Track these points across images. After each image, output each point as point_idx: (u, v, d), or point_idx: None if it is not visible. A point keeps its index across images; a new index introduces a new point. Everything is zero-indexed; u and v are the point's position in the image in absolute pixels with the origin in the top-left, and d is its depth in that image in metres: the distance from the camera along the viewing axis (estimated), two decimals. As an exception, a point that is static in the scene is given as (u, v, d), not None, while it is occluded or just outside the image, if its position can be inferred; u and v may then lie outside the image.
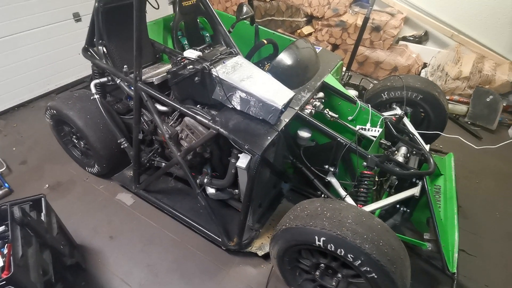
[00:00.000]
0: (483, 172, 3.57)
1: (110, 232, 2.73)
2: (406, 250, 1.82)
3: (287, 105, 2.19)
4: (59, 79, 4.46)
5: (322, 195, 2.63)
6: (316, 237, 1.77)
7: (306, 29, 5.49)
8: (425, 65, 4.98)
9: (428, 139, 3.04)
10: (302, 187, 2.94)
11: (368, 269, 1.67)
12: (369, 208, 2.25)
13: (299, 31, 5.48)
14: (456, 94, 4.51)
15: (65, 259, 2.16)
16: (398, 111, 3.09)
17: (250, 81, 2.17)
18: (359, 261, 1.67)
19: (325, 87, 2.87)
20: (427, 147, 2.73)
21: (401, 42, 5.17)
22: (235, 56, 2.41)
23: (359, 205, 2.28)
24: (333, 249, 1.73)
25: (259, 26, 3.58)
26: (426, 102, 3.08)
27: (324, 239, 1.74)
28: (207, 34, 3.60)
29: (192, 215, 2.74)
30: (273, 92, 2.15)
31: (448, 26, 4.74)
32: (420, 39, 5.04)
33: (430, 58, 4.84)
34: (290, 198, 2.98)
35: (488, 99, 4.22)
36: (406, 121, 2.89)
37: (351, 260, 1.69)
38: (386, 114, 2.89)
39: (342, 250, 1.70)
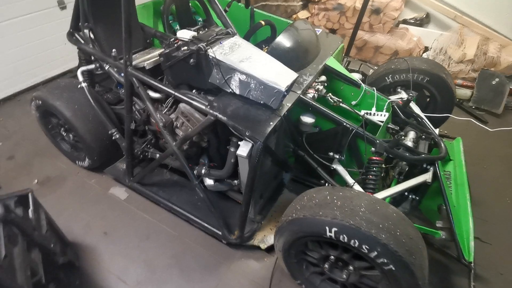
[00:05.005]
0: (491, 157, 3.45)
1: (104, 228, 2.58)
2: (423, 240, 1.69)
3: (290, 88, 2.04)
4: (45, 70, 4.25)
5: (326, 184, 2.50)
6: (327, 228, 1.63)
7: (302, 14, 5.30)
8: (426, 49, 4.84)
9: (435, 123, 2.91)
10: (304, 176, 2.81)
11: (385, 260, 1.53)
12: (379, 195, 2.12)
13: (294, 16, 5.29)
14: (459, 78, 4.38)
15: (56, 258, 2.01)
16: (403, 94, 2.96)
17: (249, 62, 2.01)
18: (375, 253, 1.54)
19: (327, 71, 2.72)
20: (436, 131, 2.60)
21: (401, 25, 5.02)
22: (233, 36, 2.25)
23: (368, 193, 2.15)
24: (345, 240, 1.60)
25: (254, 9, 3.42)
26: (433, 85, 2.95)
27: (336, 229, 1.60)
28: (200, 19, 3.43)
29: (190, 208, 2.59)
30: (275, 74, 2.00)
31: (450, 7, 4.59)
32: (422, 22, 4.89)
33: (432, 41, 4.69)
34: (291, 189, 2.84)
35: (493, 82, 4.09)
36: (413, 104, 2.76)
37: (366, 251, 1.56)
38: (392, 97, 2.75)
39: (356, 241, 1.57)
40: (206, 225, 2.46)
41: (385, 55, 4.85)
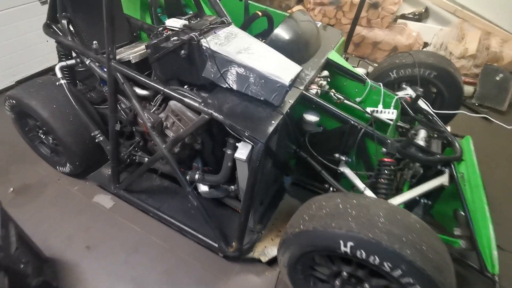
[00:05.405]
0: (498, 156, 3.28)
1: (87, 241, 2.32)
2: (449, 253, 1.48)
3: (293, 82, 1.83)
4: (26, 69, 3.96)
5: (331, 188, 2.29)
6: (342, 242, 1.42)
7: (297, 9, 5.10)
8: (426, 44, 4.67)
9: (443, 121, 2.73)
10: (306, 180, 2.59)
11: (412, 280, 1.32)
12: (393, 201, 1.92)
13: (289, 11, 5.09)
14: (461, 74, 4.21)
15: (28, 280, 1.74)
16: (409, 91, 2.77)
17: (248, 54, 1.79)
18: (399, 271, 1.32)
19: (329, 65, 2.52)
20: (448, 128, 2.41)
21: (399, 21, 4.83)
22: (228, 26, 2.03)
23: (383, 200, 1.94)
24: (363, 256, 1.38)
25: (249, 1, 3.20)
26: (441, 80, 2.77)
27: (352, 244, 1.39)
28: (191, 13, 3.19)
29: (182, 217, 2.35)
30: (277, 66, 1.78)
31: (450, 1, 4.42)
32: (420, 17, 4.71)
33: (431, 36, 4.53)
34: (293, 193, 2.63)
35: (497, 78, 3.93)
36: (422, 101, 2.56)
37: (389, 269, 1.35)
38: (399, 94, 2.56)
39: (376, 257, 1.35)
40: (200, 236, 2.23)
41: (384, 51, 4.66)
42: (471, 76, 4.19)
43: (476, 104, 4.04)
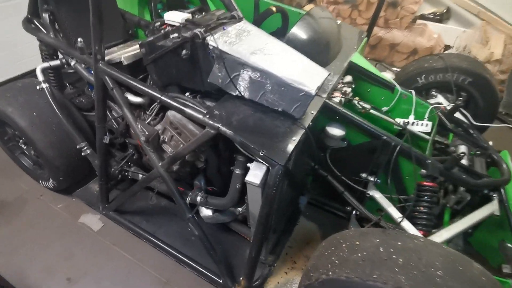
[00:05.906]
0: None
1: (69, 272, 1.99)
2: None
3: (319, 90, 1.50)
4: (12, 72, 3.64)
5: (354, 212, 1.97)
6: (388, 302, 1.08)
7: (309, 8, 4.79)
8: (447, 47, 4.34)
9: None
10: (324, 200, 2.27)
11: None
12: (437, 237, 1.58)
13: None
14: (496, 82, 3.90)
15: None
16: (440, 99, 2.46)
17: (264, 55, 1.47)
18: None
19: (351, 69, 2.19)
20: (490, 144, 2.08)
21: (418, 21, 4.50)
22: (240, 21, 1.70)
23: (420, 233, 1.61)
24: (419, 323, 1.05)
25: (259, -2, 2.88)
26: (476, 87, 2.47)
27: (403, 306, 1.06)
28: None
29: (181, 245, 2.03)
30: (300, 71, 1.46)
31: (474, 2, 4.10)
32: (441, 17, 4.39)
33: (454, 38, 4.21)
34: (308, 215, 2.31)
35: (525, 85, 3.61)
36: (460, 112, 2.24)
37: None
38: (432, 102, 2.24)
39: (436, 327, 1.02)
40: (202, 270, 1.90)
41: (402, 53, 4.33)
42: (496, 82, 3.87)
43: (503, 112, 3.71)
